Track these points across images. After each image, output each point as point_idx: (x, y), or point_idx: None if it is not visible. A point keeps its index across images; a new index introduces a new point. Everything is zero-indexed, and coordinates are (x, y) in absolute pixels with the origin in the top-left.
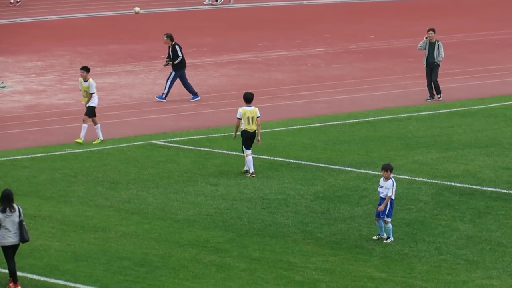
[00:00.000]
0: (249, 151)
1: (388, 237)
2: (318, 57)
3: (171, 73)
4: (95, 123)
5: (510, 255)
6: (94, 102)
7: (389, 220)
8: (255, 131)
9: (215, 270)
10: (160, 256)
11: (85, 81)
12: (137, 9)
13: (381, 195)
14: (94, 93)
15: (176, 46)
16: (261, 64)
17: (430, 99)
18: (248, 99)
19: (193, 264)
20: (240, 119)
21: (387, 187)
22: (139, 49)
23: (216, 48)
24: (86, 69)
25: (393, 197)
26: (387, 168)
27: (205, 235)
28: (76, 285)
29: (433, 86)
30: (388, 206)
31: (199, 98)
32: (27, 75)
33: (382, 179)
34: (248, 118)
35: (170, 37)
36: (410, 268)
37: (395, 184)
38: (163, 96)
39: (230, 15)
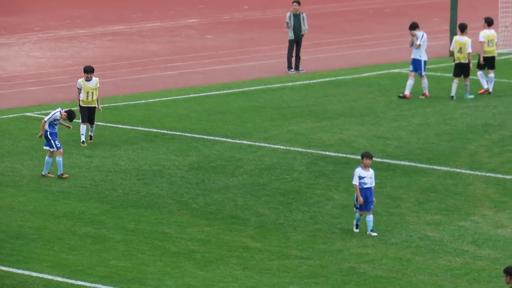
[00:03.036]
0: None
1: (371, 230)
2: (192, 28)
3: None
4: None
5: (385, 223)
6: None
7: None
8: None
9: (91, 242)
10: (35, 228)
11: None
12: None
13: (365, 186)
14: None
15: None
16: (135, 35)
17: (293, 70)
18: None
19: (68, 236)
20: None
21: (371, 177)
22: (12, 21)
23: (90, 19)
24: None
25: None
26: (371, 156)
27: (80, 207)
28: None
29: (297, 59)
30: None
31: None
32: None
33: (360, 168)
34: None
35: None
36: (286, 238)
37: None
38: None
39: None
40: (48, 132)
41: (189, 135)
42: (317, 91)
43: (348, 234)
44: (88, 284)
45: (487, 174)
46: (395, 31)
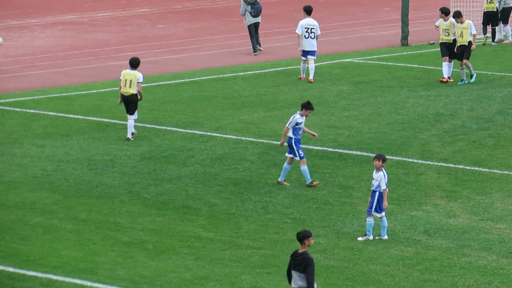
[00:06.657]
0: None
1: (380, 235)
2: (143, 17)
3: None
4: None
5: (337, 213)
6: None
7: (383, 214)
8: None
9: (42, 232)
10: None
11: None
12: None
13: (372, 188)
14: None
15: None
16: (86, 24)
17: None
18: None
19: (20, 226)
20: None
21: (377, 179)
22: None
23: (41, 9)
24: None
25: (386, 189)
26: (379, 158)
27: (32, 197)
28: None
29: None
30: (376, 199)
31: None
32: None
33: (374, 170)
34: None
35: None
36: (237, 228)
37: (386, 176)
38: None
39: None
40: (293, 140)
41: (140, 124)
42: (268, 81)
43: (300, 223)
44: (40, 275)
45: (439, 164)
46: (346, 20)
